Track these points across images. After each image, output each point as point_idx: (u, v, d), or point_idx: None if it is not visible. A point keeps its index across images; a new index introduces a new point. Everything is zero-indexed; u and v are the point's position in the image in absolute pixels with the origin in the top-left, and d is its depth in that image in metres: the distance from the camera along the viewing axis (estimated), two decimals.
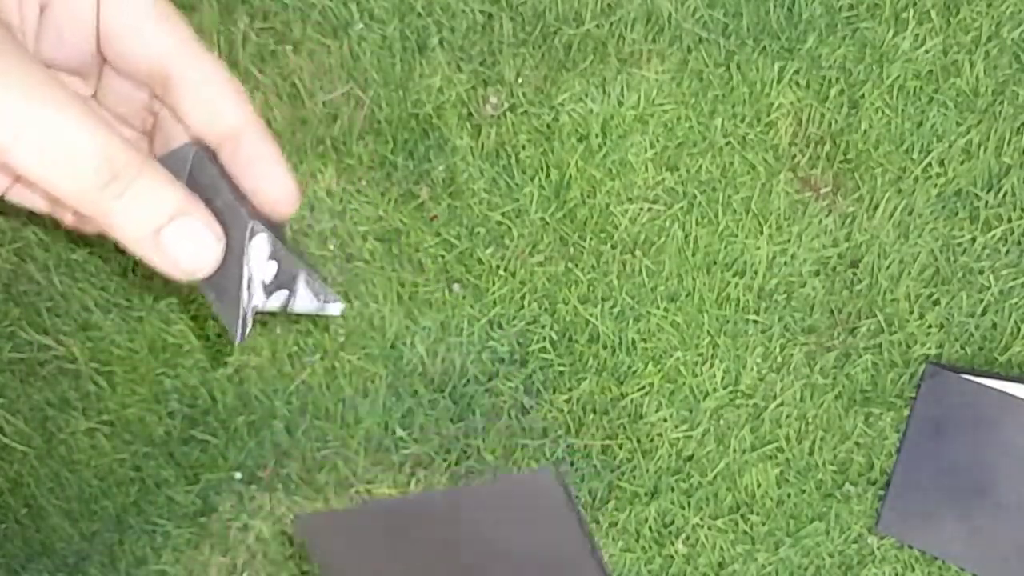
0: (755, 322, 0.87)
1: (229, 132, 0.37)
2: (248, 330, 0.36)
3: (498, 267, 0.87)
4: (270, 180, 0.37)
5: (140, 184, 0.33)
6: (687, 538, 0.87)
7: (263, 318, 0.89)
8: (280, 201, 0.38)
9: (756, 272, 0.87)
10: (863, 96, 0.88)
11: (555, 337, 0.87)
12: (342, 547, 0.41)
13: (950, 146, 0.87)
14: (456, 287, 0.88)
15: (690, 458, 0.87)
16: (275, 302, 0.36)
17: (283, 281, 0.36)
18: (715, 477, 0.87)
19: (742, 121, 0.88)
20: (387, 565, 0.40)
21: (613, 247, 0.87)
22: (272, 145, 0.38)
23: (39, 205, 0.39)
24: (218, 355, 0.87)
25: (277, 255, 0.36)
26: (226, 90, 0.37)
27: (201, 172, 0.37)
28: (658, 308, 0.87)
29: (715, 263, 0.87)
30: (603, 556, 0.39)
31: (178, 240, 0.34)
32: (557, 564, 0.38)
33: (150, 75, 0.37)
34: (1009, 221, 0.87)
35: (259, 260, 0.36)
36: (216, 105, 0.37)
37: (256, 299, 0.36)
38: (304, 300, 0.36)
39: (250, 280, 0.36)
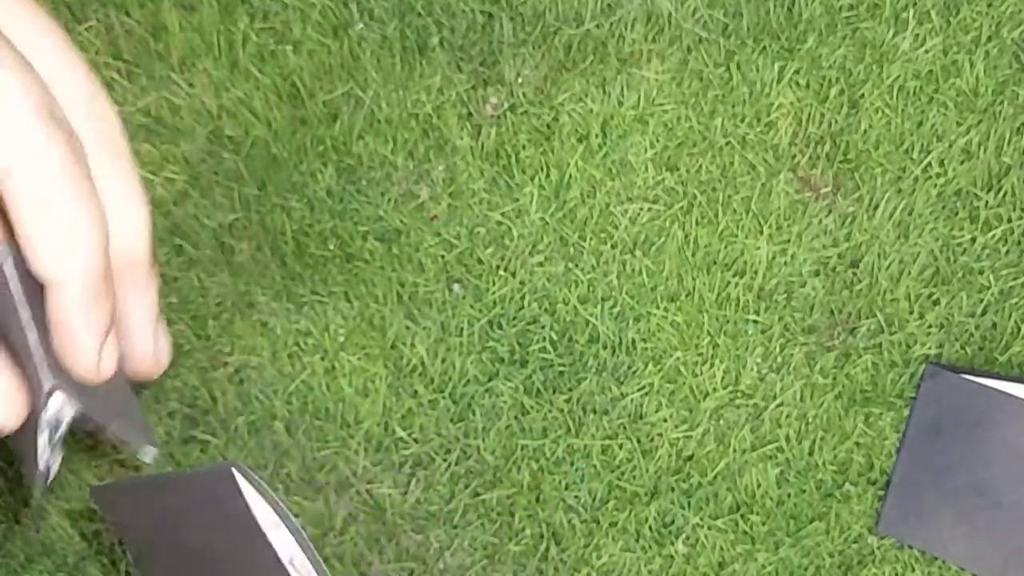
0: (755, 322, 0.87)
1: (50, 280, 0.28)
2: (50, 482, 0.33)
3: (498, 267, 0.87)
4: (72, 349, 0.29)
5: None
6: (687, 538, 0.87)
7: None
8: (78, 372, 0.30)
9: (756, 272, 0.87)
10: (863, 96, 0.88)
11: (555, 337, 0.87)
12: (127, 515, 0.38)
13: (950, 146, 0.87)
14: (456, 287, 0.88)
15: (690, 458, 0.87)
16: (86, 426, 0.33)
17: (89, 427, 0.33)
18: (715, 477, 0.87)
19: (742, 121, 0.88)
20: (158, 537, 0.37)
21: (613, 247, 0.87)
22: (72, 332, 0.28)
23: None
24: (218, 355, 0.87)
25: (85, 407, 0.31)
26: (51, 240, 0.26)
27: (3, 297, 0.29)
28: (658, 308, 0.87)
29: (715, 263, 0.87)
30: (311, 555, 0.35)
31: None
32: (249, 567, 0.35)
33: None
34: (1009, 221, 0.87)
35: (60, 410, 0.31)
36: (36, 255, 0.27)
37: (54, 452, 0.33)
38: (117, 436, 0.34)
39: (50, 438, 0.31)
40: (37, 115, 0.26)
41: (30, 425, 0.31)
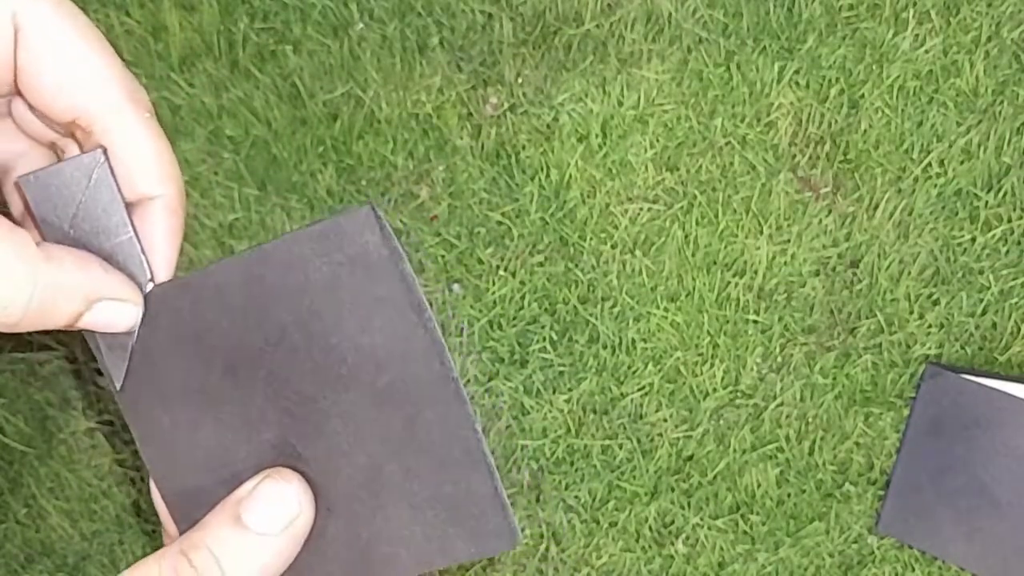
0: (755, 322, 0.87)
1: (139, 201, 0.34)
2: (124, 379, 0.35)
3: (498, 267, 0.87)
4: (163, 250, 0.35)
5: (41, 292, 0.30)
6: (687, 538, 0.87)
7: None
8: (161, 274, 0.36)
9: (756, 272, 0.87)
10: (863, 96, 0.88)
11: (555, 337, 0.87)
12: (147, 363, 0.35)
13: (950, 146, 0.87)
14: (456, 287, 0.88)
15: (690, 458, 0.87)
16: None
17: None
18: (715, 477, 0.87)
19: (742, 121, 0.88)
20: (190, 367, 0.33)
21: (613, 247, 0.87)
22: (173, 234, 0.35)
23: None
24: None
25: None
26: (148, 161, 0.33)
27: (100, 192, 0.33)
28: (658, 308, 0.87)
29: (715, 263, 0.87)
30: (433, 322, 0.34)
31: (96, 317, 0.33)
32: (385, 335, 0.32)
33: (68, 125, 0.33)
34: (1009, 221, 0.87)
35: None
36: (132, 175, 0.33)
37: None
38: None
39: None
40: (124, 69, 0.34)
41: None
